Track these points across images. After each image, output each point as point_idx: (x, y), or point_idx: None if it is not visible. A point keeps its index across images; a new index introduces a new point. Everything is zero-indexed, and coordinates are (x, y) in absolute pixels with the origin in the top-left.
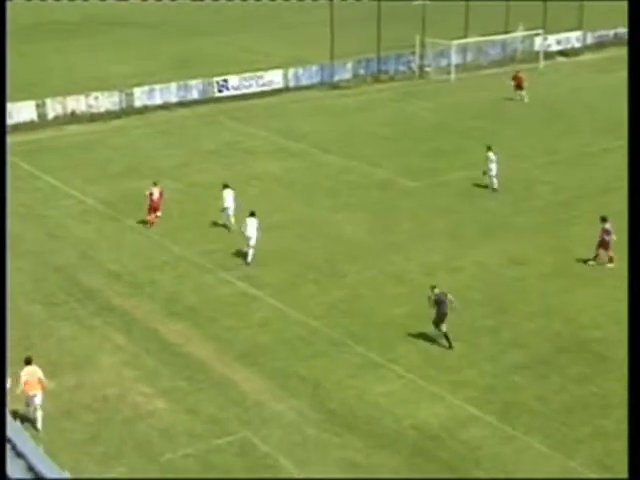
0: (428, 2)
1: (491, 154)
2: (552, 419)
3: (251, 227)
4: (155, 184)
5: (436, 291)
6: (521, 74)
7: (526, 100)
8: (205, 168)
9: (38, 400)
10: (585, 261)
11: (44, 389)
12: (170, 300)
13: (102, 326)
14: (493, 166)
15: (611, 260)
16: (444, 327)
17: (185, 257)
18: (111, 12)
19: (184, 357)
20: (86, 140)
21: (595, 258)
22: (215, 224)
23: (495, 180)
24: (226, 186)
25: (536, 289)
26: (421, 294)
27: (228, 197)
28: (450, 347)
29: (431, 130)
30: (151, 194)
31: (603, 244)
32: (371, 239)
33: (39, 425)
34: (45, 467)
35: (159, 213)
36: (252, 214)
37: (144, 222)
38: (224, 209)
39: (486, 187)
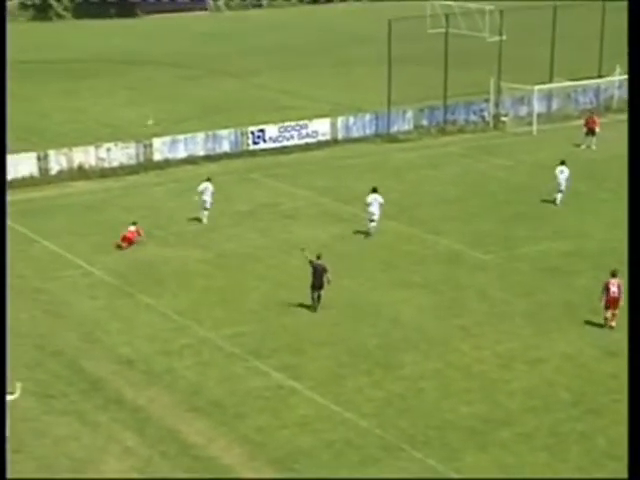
0: (505, 39)
1: (559, 168)
2: None
3: (374, 203)
4: (134, 224)
5: (319, 261)
6: (595, 117)
7: (594, 148)
8: (237, 234)
9: None
10: None
11: None
12: (191, 393)
13: (109, 423)
14: (562, 181)
15: None
16: (316, 293)
17: (210, 341)
18: (126, 49)
19: (206, 462)
20: (95, 199)
21: None
22: (245, 300)
23: (559, 195)
24: (209, 179)
25: None
26: (494, 390)
27: (207, 191)
28: (314, 310)
29: (507, 192)
30: (129, 231)
31: None
32: (434, 323)
33: None
34: None
35: (127, 245)
36: (374, 190)
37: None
38: (202, 202)
39: (574, 260)
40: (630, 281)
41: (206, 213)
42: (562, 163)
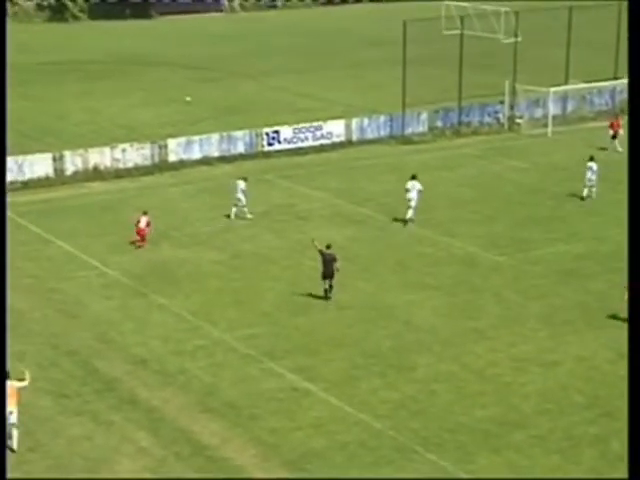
0: (520, 40)
1: (588, 164)
2: None
3: (413, 190)
4: (145, 213)
5: (329, 250)
6: (620, 120)
7: (619, 149)
8: (251, 235)
9: (13, 418)
10: None
11: (19, 404)
12: (205, 394)
13: (122, 423)
14: (593, 177)
15: None
16: (327, 283)
17: (224, 341)
18: (141, 50)
19: (220, 463)
20: (110, 200)
21: None
22: (258, 301)
23: (590, 190)
24: (245, 179)
25: None
26: (508, 392)
27: (237, 188)
28: (327, 298)
29: (522, 194)
30: (138, 222)
31: None
32: (447, 325)
33: (14, 445)
34: None
35: (144, 243)
36: (414, 177)
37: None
38: (237, 200)
39: (588, 263)
40: (630, 281)
41: (245, 210)
42: (591, 159)
